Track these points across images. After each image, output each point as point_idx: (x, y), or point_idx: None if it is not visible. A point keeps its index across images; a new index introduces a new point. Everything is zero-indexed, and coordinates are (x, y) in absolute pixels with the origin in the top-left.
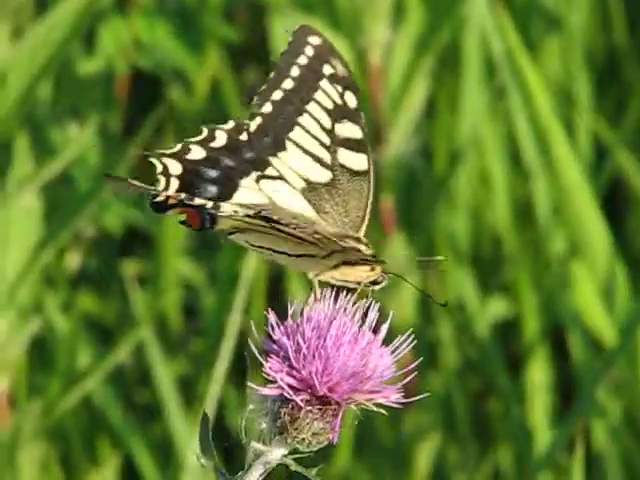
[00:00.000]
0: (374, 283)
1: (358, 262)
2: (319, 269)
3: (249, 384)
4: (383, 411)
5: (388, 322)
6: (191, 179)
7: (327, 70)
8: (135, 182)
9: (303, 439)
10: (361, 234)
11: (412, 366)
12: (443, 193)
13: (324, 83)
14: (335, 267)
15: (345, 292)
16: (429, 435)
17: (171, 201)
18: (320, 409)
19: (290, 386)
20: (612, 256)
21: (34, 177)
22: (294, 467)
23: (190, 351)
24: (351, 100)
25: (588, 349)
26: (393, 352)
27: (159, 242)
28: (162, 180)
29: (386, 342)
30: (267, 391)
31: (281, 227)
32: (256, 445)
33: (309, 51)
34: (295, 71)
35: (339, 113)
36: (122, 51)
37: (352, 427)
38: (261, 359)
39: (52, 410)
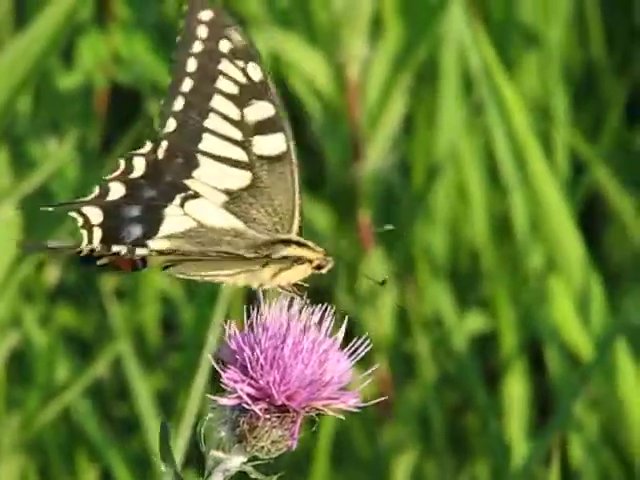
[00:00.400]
0: (319, 268)
1: (294, 265)
2: (260, 281)
3: (207, 394)
4: (341, 416)
5: (344, 325)
6: (114, 223)
7: (225, 47)
8: (54, 244)
9: (262, 447)
10: (294, 228)
11: (372, 368)
12: (421, 208)
13: (224, 65)
14: (275, 276)
15: (302, 298)
16: (407, 449)
17: (97, 252)
18: (279, 417)
19: (249, 395)
20: (588, 271)
21: (13, 190)
22: (254, 474)
23: (168, 365)
24: (255, 73)
25: (565, 363)
26: (350, 356)
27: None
28: (84, 234)
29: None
30: (225, 401)
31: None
32: (215, 453)
33: (202, 32)
34: (192, 65)
35: (246, 94)
36: (101, 65)
37: (329, 439)
38: (219, 369)
39: (31, 423)
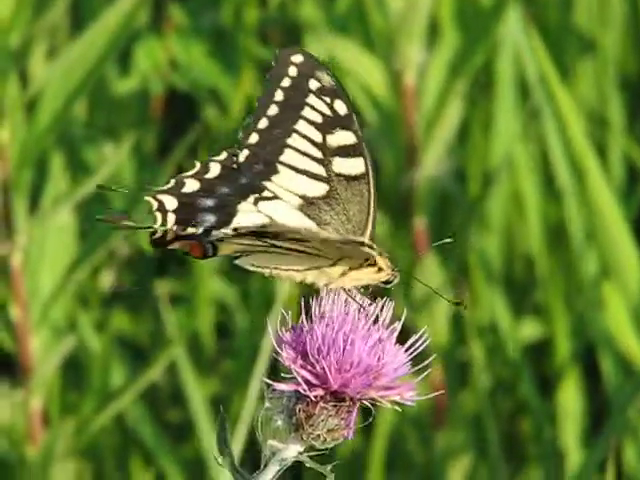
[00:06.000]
0: (387, 283)
1: (364, 265)
2: (328, 279)
3: (264, 379)
4: (397, 408)
5: (402, 320)
6: (188, 211)
7: (313, 85)
8: (128, 222)
9: (318, 435)
10: (366, 237)
11: (429, 361)
12: (476, 215)
13: (311, 99)
14: (343, 274)
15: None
16: (460, 455)
17: (169, 236)
18: (335, 405)
19: (305, 381)
20: None
21: (69, 195)
22: (309, 464)
23: (222, 370)
24: (341, 108)
25: (620, 370)
26: (407, 350)
27: (193, 261)
28: (159, 216)
29: (403, 342)
30: (283, 386)
31: (278, 242)
32: (272, 442)
33: (292, 71)
34: (279, 95)
35: (329, 124)
36: (157, 70)
37: (383, 444)
38: (277, 349)
39: (85, 429)
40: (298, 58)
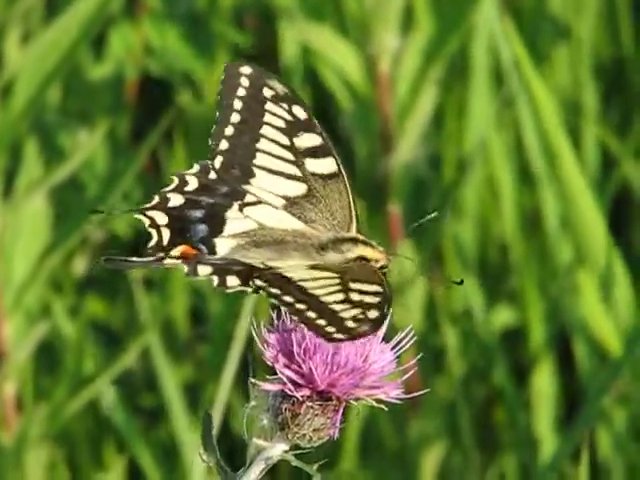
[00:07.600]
0: (383, 268)
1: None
2: None
3: (252, 379)
4: (384, 407)
5: (389, 319)
6: (179, 223)
7: (267, 93)
8: (134, 259)
9: (304, 435)
10: (353, 231)
11: (413, 362)
12: (450, 201)
13: (269, 105)
14: None
15: None
16: (434, 442)
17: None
18: (321, 405)
19: (291, 381)
20: (616, 265)
21: (43, 181)
22: (295, 463)
23: (196, 356)
24: (300, 112)
25: (594, 357)
26: (394, 348)
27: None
28: (153, 233)
29: (388, 340)
30: (269, 386)
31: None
32: (257, 441)
33: (244, 82)
34: (237, 104)
35: (293, 128)
36: (132, 55)
37: (358, 430)
38: (263, 349)
39: (59, 414)
40: (246, 70)
